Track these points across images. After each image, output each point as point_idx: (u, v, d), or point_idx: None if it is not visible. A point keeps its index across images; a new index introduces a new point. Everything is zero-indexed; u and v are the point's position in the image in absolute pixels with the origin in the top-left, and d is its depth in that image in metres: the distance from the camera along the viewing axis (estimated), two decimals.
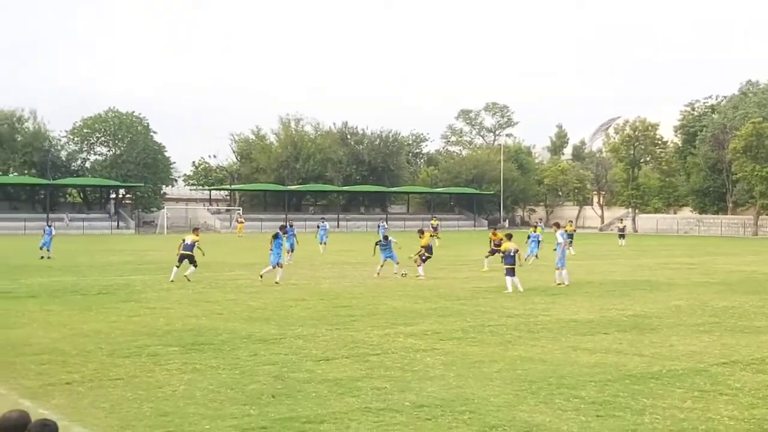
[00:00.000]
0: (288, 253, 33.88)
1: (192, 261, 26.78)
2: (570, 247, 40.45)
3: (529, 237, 36.39)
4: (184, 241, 27.61)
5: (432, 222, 63.54)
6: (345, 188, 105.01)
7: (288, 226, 36.14)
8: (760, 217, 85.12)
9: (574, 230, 45.25)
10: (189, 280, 25.73)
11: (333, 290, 23.96)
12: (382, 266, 28.84)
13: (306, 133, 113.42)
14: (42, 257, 37.21)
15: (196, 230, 29.07)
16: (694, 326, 16.55)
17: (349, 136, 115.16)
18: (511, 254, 24.17)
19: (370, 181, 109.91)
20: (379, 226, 52.22)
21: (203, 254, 27.89)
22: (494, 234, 34.69)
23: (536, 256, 34.90)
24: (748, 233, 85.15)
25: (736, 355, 13.13)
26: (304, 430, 8.66)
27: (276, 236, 26.72)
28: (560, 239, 25.95)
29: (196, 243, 27.47)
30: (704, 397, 10.22)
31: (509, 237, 25.52)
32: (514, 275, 23.84)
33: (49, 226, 42.01)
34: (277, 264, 26.14)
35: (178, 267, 26.76)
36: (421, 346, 14.03)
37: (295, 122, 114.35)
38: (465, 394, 10.33)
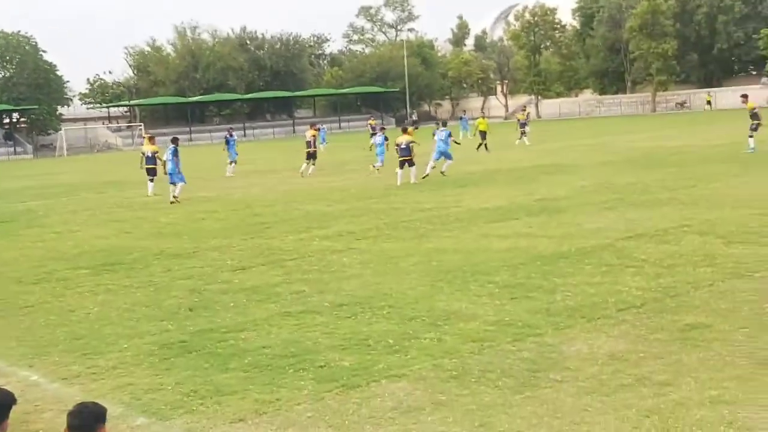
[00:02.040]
0: (231, 164, 33.74)
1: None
2: (525, 138, 41.03)
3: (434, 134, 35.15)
4: (144, 154, 26.29)
5: (371, 122, 62.19)
6: (248, 96, 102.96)
7: (228, 136, 35.44)
8: (658, 93, 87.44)
9: (527, 119, 44.54)
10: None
11: (244, 200, 23.71)
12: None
13: (203, 41, 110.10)
14: None
15: (152, 139, 27.18)
16: (599, 204, 17.04)
17: (248, 42, 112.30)
18: (402, 146, 24.51)
19: (274, 87, 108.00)
20: (320, 129, 51.46)
21: (163, 167, 25.45)
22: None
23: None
24: (647, 110, 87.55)
25: (640, 229, 13.59)
26: (224, 339, 8.63)
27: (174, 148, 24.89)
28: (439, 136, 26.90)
29: (155, 154, 25.99)
30: (612, 270, 10.58)
31: (404, 130, 25.54)
32: (402, 168, 24.32)
33: None
34: (180, 179, 24.23)
35: (152, 181, 25.95)
36: (337, 247, 14.07)
37: (191, 31, 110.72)
38: (383, 289, 10.44)
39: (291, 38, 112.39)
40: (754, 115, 28.16)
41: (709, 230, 12.96)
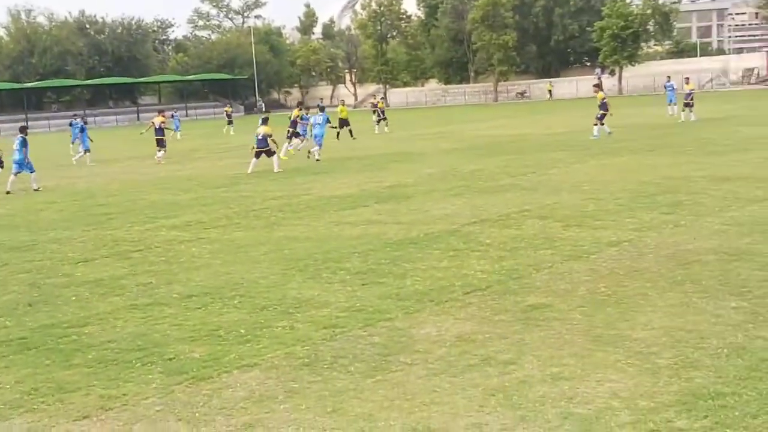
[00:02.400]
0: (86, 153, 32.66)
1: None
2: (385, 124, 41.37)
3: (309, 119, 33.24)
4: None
5: (226, 109, 60.25)
6: (89, 82, 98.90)
7: (83, 123, 34.28)
8: (499, 83, 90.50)
9: (383, 108, 44.63)
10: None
11: (87, 190, 22.81)
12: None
13: (39, 25, 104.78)
14: None
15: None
16: (446, 191, 17.49)
17: (88, 26, 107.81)
18: (260, 137, 24.31)
19: (116, 73, 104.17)
20: (173, 116, 49.96)
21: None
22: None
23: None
24: (490, 100, 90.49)
25: (485, 214, 14.05)
26: (66, 335, 8.28)
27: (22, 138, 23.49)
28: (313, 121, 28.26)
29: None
30: (459, 255, 10.89)
31: (264, 121, 25.20)
32: (258, 158, 24.14)
33: None
34: (29, 169, 23.33)
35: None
36: (185, 237, 13.77)
37: (26, 14, 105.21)
38: (234, 279, 10.32)
39: (133, 23, 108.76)
40: (603, 105, 29.44)
41: (548, 214, 13.56)
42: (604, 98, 29.73)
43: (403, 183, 19.46)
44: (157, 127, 31.53)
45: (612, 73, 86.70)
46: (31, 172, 23.43)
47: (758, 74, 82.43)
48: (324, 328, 7.93)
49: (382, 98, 48.85)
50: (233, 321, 8.40)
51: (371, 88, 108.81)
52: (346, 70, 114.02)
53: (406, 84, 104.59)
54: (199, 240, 13.40)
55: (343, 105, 41.53)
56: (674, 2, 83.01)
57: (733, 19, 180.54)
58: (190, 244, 13.08)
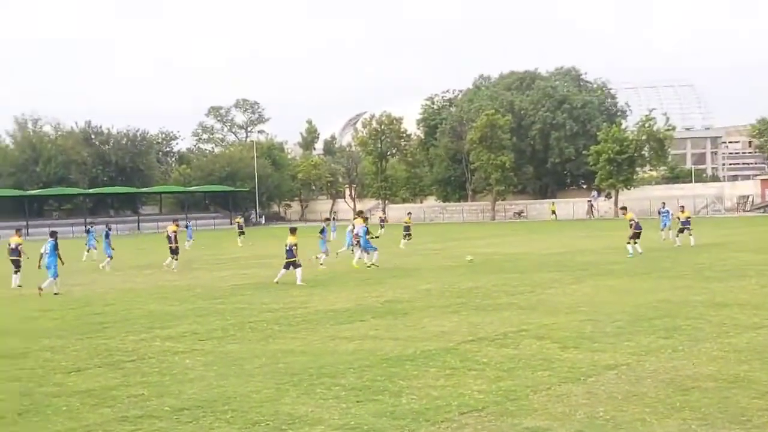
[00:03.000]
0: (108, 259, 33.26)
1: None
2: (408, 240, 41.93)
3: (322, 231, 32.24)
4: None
5: (237, 220, 59.67)
6: (91, 191, 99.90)
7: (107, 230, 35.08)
8: (497, 202, 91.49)
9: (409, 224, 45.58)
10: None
11: (83, 298, 22.74)
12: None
13: (45, 134, 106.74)
14: None
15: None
16: (443, 307, 17.45)
17: (93, 136, 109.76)
18: (287, 248, 24.11)
19: (119, 182, 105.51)
20: (187, 226, 50.36)
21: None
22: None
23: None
24: (487, 218, 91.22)
25: (482, 332, 13.99)
26: None
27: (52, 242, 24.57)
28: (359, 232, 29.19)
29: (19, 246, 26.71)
30: (455, 373, 10.79)
31: (292, 231, 24.80)
32: (288, 269, 23.98)
33: None
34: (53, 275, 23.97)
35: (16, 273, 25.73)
36: (179, 348, 13.66)
37: (33, 122, 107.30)
38: (227, 392, 10.19)
39: (138, 134, 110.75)
40: (634, 225, 30.61)
41: (546, 335, 13.50)
42: (633, 219, 30.87)
43: (401, 298, 19.44)
44: (170, 235, 32.28)
45: (608, 196, 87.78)
46: (54, 278, 23.90)
47: (753, 201, 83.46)
48: None
49: (409, 213, 49.38)
50: None
51: (370, 203, 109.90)
52: (346, 185, 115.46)
53: (404, 200, 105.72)
54: (194, 351, 13.29)
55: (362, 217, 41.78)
56: (668, 129, 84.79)
57: (726, 147, 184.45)
58: (184, 355, 12.96)
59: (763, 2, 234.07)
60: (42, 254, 24.57)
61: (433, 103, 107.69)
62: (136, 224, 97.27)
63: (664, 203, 43.71)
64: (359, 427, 8.40)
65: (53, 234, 25.34)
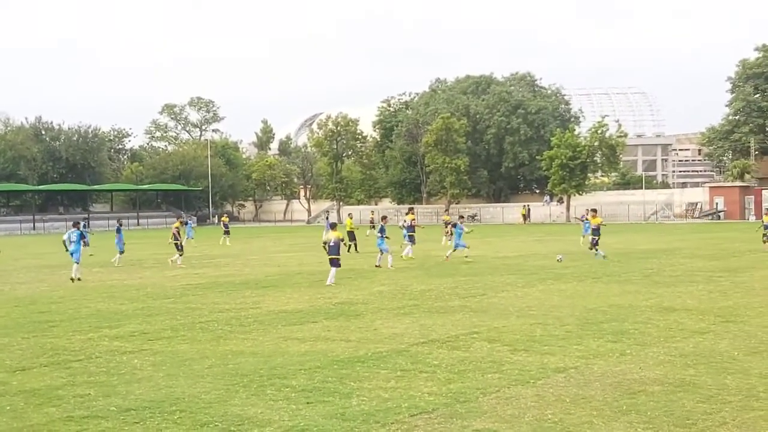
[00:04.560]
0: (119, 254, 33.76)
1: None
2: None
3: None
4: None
5: (224, 218, 57.39)
6: (41, 187, 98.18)
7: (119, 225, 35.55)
8: (451, 205, 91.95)
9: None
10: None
11: (29, 296, 22.31)
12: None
13: None
14: None
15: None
16: (395, 309, 17.47)
17: (43, 132, 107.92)
18: (331, 244, 23.36)
19: (70, 179, 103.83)
20: (187, 223, 49.26)
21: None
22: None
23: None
24: (441, 221, 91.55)
25: (434, 335, 14.03)
26: None
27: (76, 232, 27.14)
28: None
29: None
30: (406, 375, 10.81)
31: (333, 226, 24.83)
32: (338, 266, 23.47)
33: None
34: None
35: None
36: (127, 348, 13.47)
37: None
38: (175, 393, 10.07)
39: (90, 131, 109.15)
40: (596, 230, 31.46)
41: (496, 338, 13.58)
42: (600, 223, 31.79)
43: (353, 300, 19.41)
44: (173, 232, 33.97)
45: (560, 201, 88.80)
46: (77, 263, 26.56)
47: (701, 208, 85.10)
48: None
49: (446, 211, 51.76)
50: None
51: (325, 204, 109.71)
52: (301, 186, 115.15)
53: (359, 202, 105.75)
54: (142, 351, 13.11)
55: (350, 218, 41.76)
56: (620, 136, 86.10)
57: (676, 154, 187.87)
58: (133, 355, 12.78)
59: (717, 17, 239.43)
60: (65, 241, 26.94)
61: (389, 105, 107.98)
62: (86, 222, 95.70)
63: (587, 210, 43.81)
64: (309, 428, 8.36)
65: (77, 224, 28.34)
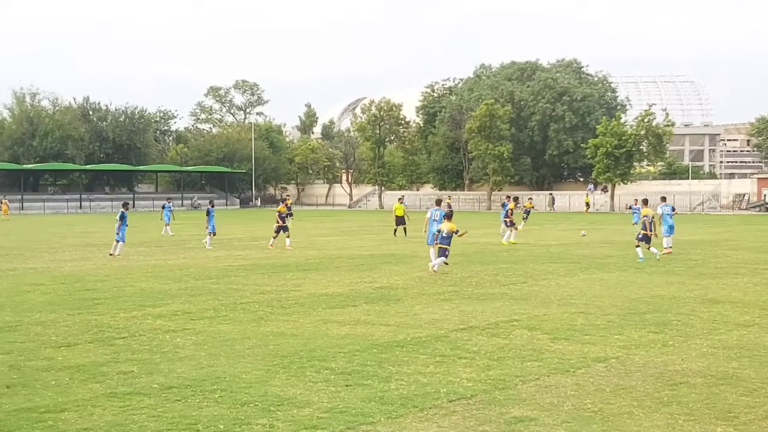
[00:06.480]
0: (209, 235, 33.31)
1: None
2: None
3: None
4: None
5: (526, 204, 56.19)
6: (88, 167, 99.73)
7: (210, 206, 35.11)
8: (493, 192, 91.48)
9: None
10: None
11: (75, 273, 22.71)
12: None
13: (43, 109, 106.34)
14: None
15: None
16: (435, 295, 17.47)
17: (91, 112, 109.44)
18: (443, 234, 22.27)
19: (116, 160, 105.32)
20: (164, 206, 49.01)
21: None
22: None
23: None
24: (483, 208, 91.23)
25: (473, 321, 14.01)
26: (43, 420, 8.12)
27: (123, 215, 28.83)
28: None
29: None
30: (445, 361, 10.81)
31: (449, 216, 22.69)
32: (444, 255, 22.53)
33: None
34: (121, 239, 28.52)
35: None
36: (170, 326, 13.66)
37: (31, 97, 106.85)
38: (216, 372, 10.19)
39: (136, 112, 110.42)
40: (648, 224, 26.27)
41: (537, 326, 13.52)
42: (646, 215, 26.64)
43: (393, 284, 19.45)
44: (280, 215, 32.33)
45: (605, 189, 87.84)
46: (122, 242, 28.60)
47: (749, 200, 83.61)
48: (304, 429, 7.80)
49: (530, 198, 54.10)
50: (212, 416, 8.26)
51: (367, 189, 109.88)
52: (343, 170, 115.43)
53: (401, 187, 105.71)
54: (185, 330, 13.28)
55: (400, 203, 40.13)
56: (668, 125, 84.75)
57: (725, 144, 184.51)
58: (175, 334, 12.96)
59: (764, 3, 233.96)
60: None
61: (433, 90, 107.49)
62: (132, 202, 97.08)
63: (636, 201, 42.85)
64: (347, 410, 8.42)
65: (126, 205, 29.99)
